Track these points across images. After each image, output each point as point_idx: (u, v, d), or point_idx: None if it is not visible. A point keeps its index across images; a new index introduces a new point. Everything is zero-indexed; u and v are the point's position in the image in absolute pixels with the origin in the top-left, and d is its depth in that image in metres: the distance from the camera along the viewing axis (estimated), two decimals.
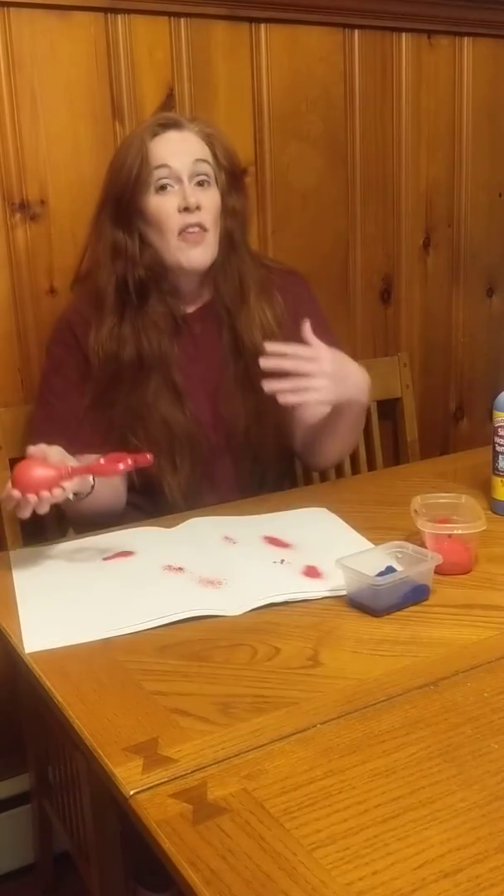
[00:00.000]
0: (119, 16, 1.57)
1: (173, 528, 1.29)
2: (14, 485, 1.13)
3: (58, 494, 1.14)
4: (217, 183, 1.38)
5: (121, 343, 1.35)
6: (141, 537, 1.26)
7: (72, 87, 1.56)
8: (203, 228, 1.33)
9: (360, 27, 1.83)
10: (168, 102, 1.65)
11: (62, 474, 1.15)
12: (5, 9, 1.47)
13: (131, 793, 0.74)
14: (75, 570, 1.18)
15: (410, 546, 1.10)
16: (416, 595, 1.05)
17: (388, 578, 1.03)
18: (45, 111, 1.54)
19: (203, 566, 1.15)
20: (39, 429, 1.38)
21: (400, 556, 1.10)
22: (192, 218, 1.32)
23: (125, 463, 1.17)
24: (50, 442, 1.30)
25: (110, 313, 1.36)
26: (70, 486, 1.15)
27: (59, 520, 1.63)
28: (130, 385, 1.36)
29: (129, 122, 1.61)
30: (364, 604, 1.04)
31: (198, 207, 1.32)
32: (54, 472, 1.15)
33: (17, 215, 1.56)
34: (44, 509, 1.15)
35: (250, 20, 1.71)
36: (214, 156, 1.38)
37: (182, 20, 1.63)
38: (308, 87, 1.80)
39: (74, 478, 1.16)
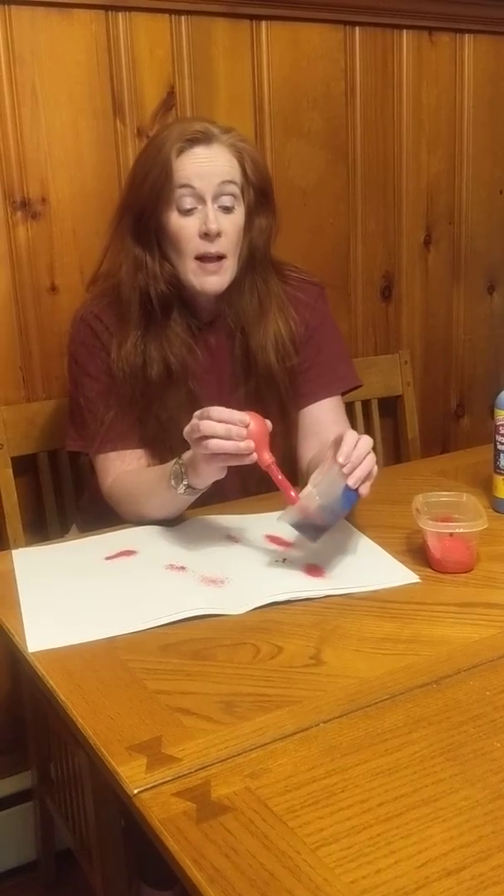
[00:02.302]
0: (120, 13, 1.57)
1: (175, 527, 1.29)
2: (248, 435, 1.10)
3: (247, 460, 1.11)
4: (244, 199, 1.32)
5: (147, 360, 1.33)
6: (143, 536, 1.27)
7: (73, 85, 1.56)
8: (222, 256, 1.30)
9: (361, 24, 1.83)
10: (169, 100, 1.64)
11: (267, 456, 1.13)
12: (6, 6, 1.47)
13: (135, 791, 0.75)
14: (78, 569, 1.18)
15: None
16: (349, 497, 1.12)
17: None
18: (46, 109, 1.54)
19: (205, 565, 1.15)
20: (107, 436, 1.35)
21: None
22: (211, 247, 1.28)
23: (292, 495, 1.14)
24: (114, 448, 1.33)
25: (134, 327, 1.33)
26: (246, 461, 1.11)
27: (61, 519, 1.64)
28: (160, 401, 1.34)
29: (129, 119, 1.61)
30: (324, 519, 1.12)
31: (219, 234, 1.28)
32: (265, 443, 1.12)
33: (19, 213, 1.56)
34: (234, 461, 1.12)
35: (251, 17, 1.70)
36: (244, 171, 1.31)
37: (183, 18, 1.63)
38: (309, 84, 1.80)
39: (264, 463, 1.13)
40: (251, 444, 1.10)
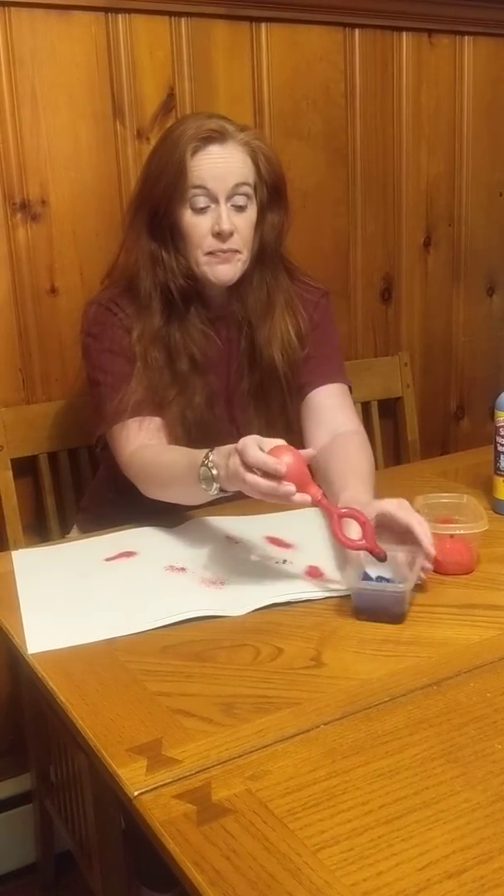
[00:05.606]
0: (119, 15, 1.57)
1: (175, 529, 1.29)
2: (287, 475, 1.04)
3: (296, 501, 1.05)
4: (257, 197, 1.34)
5: (172, 348, 1.34)
6: (143, 537, 1.27)
7: (72, 87, 1.56)
8: (234, 251, 1.31)
9: (361, 26, 1.83)
10: (169, 102, 1.65)
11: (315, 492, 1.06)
12: (6, 8, 1.47)
13: (136, 794, 0.74)
14: (78, 571, 1.18)
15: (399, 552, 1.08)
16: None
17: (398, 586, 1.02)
18: (46, 111, 1.54)
19: (205, 566, 1.15)
20: (132, 413, 1.32)
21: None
22: (223, 244, 1.30)
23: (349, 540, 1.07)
24: (135, 414, 1.31)
25: (156, 315, 1.34)
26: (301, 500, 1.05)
27: (61, 521, 1.64)
28: (180, 389, 1.35)
29: (129, 121, 1.62)
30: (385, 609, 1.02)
31: (231, 233, 1.29)
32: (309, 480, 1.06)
33: (18, 215, 1.56)
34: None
35: (250, 19, 1.71)
36: (257, 169, 1.32)
37: (182, 20, 1.63)
38: (308, 86, 1.80)
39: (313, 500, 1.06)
40: (297, 493, 1.04)
